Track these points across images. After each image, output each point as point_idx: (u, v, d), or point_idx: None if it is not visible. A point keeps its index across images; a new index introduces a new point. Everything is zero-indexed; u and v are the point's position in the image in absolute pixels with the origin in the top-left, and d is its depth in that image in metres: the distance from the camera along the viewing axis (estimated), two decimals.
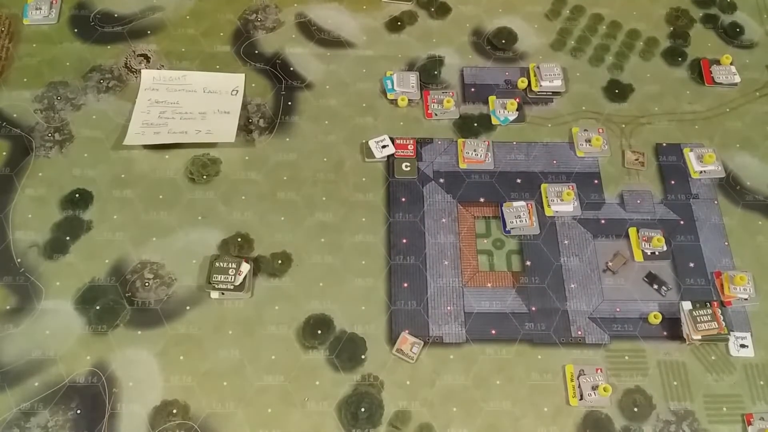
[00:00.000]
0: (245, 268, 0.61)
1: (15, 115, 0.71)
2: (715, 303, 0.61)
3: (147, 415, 0.57)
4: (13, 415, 0.56)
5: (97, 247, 0.64)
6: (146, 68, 0.75)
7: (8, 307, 0.61)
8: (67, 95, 0.73)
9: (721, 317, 0.60)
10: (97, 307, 0.61)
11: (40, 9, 0.78)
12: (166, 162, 0.69)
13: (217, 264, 0.61)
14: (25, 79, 0.74)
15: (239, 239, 0.65)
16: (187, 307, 0.61)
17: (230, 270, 0.61)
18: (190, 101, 0.73)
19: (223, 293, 0.61)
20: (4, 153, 0.69)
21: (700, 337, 0.59)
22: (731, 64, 0.77)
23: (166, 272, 0.63)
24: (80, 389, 0.57)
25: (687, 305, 0.61)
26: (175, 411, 0.57)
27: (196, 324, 0.60)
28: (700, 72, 0.77)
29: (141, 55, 0.77)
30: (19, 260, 0.63)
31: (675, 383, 0.59)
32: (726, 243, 0.66)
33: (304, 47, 0.78)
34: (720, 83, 0.76)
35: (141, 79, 0.74)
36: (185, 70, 0.75)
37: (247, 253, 0.64)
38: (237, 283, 0.60)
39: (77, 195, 0.67)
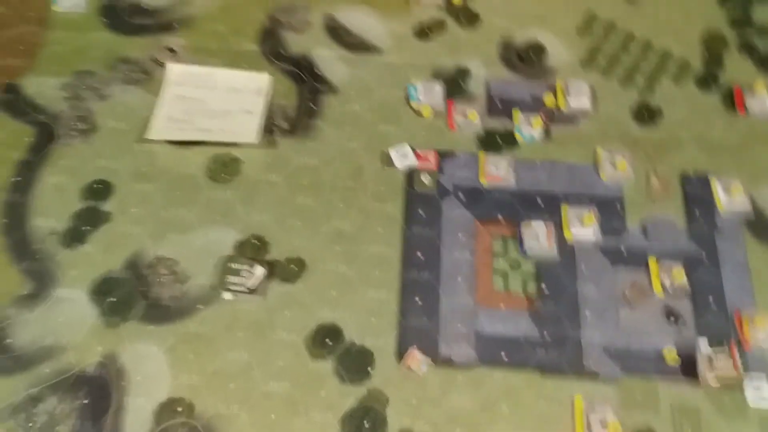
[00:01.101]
0: (259, 271, 0.60)
1: (41, 102, 0.71)
2: (734, 345, 0.59)
3: (152, 410, 0.56)
4: (21, 399, 0.56)
5: (115, 239, 0.64)
6: (173, 63, 0.74)
7: (25, 293, 0.61)
8: (93, 85, 0.73)
9: (739, 361, 0.58)
10: (111, 299, 0.61)
11: None
12: (187, 158, 0.69)
13: (231, 265, 0.60)
14: (52, 67, 0.73)
15: (255, 241, 0.64)
16: (200, 306, 0.61)
17: (244, 272, 0.60)
18: (215, 99, 0.72)
19: (235, 295, 0.60)
20: (28, 139, 0.68)
21: (715, 379, 0.57)
22: (766, 92, 0.74)
23: (181, 269, 0.62)
24: (89, 379, 0.57)
25: (704, 345, 0.59)
26: (180, 409, 0.57)
27: (208, 323, 0.60)
28: (732, 99, 0.75)
29: (168, 48, 0.76)
30: (37, 246, 0.63)
31: (687, 428, 0.56)
32: (749, 282, 0.63)
33: (330, 50, 0.77)
34: (753, 112, 0.73)
35: (167, 74, 0.73)
36: (212, 67, 0.74)
37: (262, 256, 0.63)
38: (250, 286, 0.60)
39: (98, 185, 0.66)
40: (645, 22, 0.80)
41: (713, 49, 0.78)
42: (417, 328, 0.60)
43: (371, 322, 0.61)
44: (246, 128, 0.70)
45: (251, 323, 0.60)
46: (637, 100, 0.74)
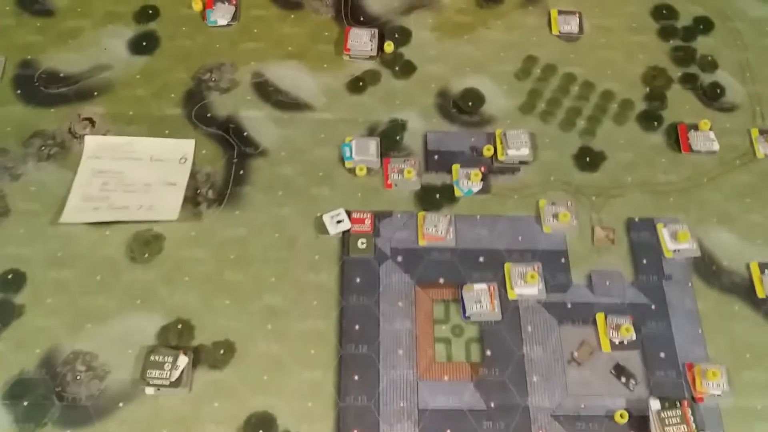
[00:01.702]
0: (183, 361, 0.60)
1: None
2: (686, 402, 0.60)
3: None
4: None
5: (29, 334, 0.63)
6: (91, 133, 0.75)
7: None
8: (5, 164, 0.73)
9: (691, 418, 0.59)
10: (25, 403, 0.60)
11: None
12: (106, 239, 0.69)
13: (152, 358, 0.60)
14: None
15: (179, 326, 0.64)
16: (120, 404, 0.60)
17: (166, 364, 0.60)
18: (135, 171, 0.73)
19: (158, 389, 0.60)
20: None
21: None
22: (710, 129, 0.77)
23: (99, 364, 0.62)
24: None
25: (655, 404, 0.60)
26: None
27: (129, 423, 0.59)
28: (676, 138, 0.77)
29: (86, 119, 0.76)
30: None
31: None
32: (700, 330, 0.65)
33: (259, 110, 0.78)
34: (698, 151, 0.76)
35: (84, 147, 0.74)
36: (132, 136, 0.75)
37: (187, 342, 0.63)
38: (173, 379, 0.59)
39: (10, 276, 0.66)
40: (585, 61, 0.82)
41: (656, 86, 0.81)
42: (356, 408, 0.61)
43: (307, 406, 0.61)
44: (167, 203, 0.70)
45: (176, 419, 0.59)
46: (578, 144, 0.77)
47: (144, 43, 0.82)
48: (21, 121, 0.76)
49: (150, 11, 0.84)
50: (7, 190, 0.71)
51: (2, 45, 0.81)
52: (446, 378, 0.62)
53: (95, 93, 0.78)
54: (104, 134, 0.75)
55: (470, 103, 0.79)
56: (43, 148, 0.74)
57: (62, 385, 0.61)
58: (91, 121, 0.76)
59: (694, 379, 0.62)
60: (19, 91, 0.78)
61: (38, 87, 0.78)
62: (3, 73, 0.79)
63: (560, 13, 0.86)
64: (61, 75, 0.79)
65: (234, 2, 0.85)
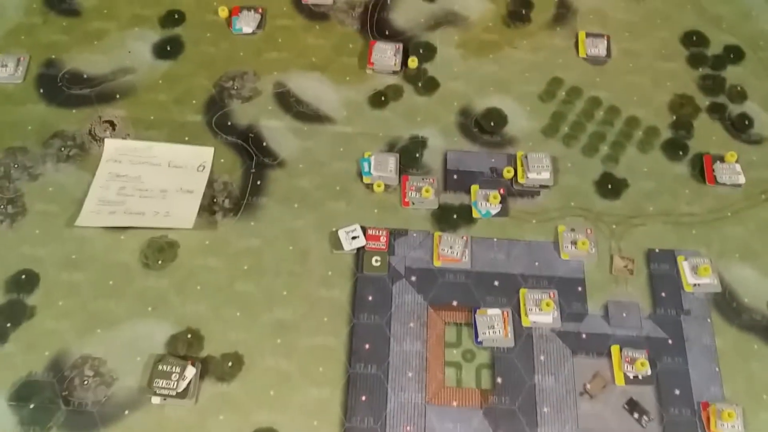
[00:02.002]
0: (190, 372, 0.61)
1: None
2: None
3: None
4: None
5: (39, 336, 0.64)
6: (111, 136, 0.76)
7: None
8: (24, 163, 0.74)
9: None
10: (32, 406, 0.61)
11: (6, 66, 0.80)
12: (121, 243, 0.70)
13: (159, 367, 0.61)
14: None
15: (189, 336, 0.65)
16: (126, 412, 0.61)
17: (174, 375, 0.60)
18: (153, 176, 0.74)
19: (164, 399, 0.61)
20: None
21: None
22: (736, 161, 0.77)
23: (107, 369, 0.63)
24: None
25: None
26: None
27: (133, 431, 0.60)
28: (701, 169, 0.77)
29: (107, 121, 0.78)
30: None
31: None
32: (717, 368, 0.65)
33: (280, 120, 0.79)
34: (723, 183, 0.76)
35: (103, 149, 0.75)
36: (151, 141, 0.76)
37: (196, 353, 0.64)
38: (180, 390, 0.60)
39: (23, 276, 0.67)
40: (612, 86, 0.83)
41: (682, 114, 0.81)
42: (362, 430, 0.61)
43: (312, 425, 0.61)
44: (183, 210, 0.71)
45: (180, 430, 0.60)
46: (601, 170, 0.77)
47: (168, 48, 0.83)
48: (42, 121, 0.77)
49: (176, 16, 0.86)
50: (25, 189, 0.73)
51: (28, 43, 0.83)
52: (455, 404, 0.62)
53: (117, 96, 0.80)
54: (124, 138, 0.76)
55: (492, 123, 0.79)
56: (62, 148, 0.76)
57: (69, 389, 0.62)
58: (112, 124, 0.78)
59: (708, 419, 0.61)
60: (41, 90, 0.80)
61: (61, 87, 0.80)
62: (27, 72, 0.81)
63: (588, 35, 0.86)
64: (85, 76, 0.81)
65: (260, 11, 0.86)
